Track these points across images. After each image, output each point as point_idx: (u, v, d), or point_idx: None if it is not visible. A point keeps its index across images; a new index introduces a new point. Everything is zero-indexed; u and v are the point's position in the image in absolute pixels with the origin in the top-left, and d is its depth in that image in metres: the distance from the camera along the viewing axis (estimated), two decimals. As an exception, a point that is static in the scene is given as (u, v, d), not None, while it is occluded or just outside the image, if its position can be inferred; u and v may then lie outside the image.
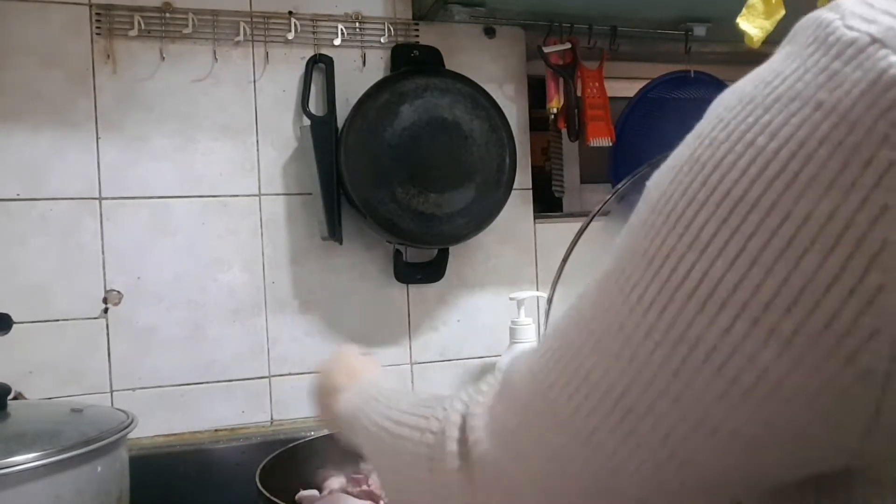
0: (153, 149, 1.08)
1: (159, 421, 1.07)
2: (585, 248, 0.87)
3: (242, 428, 1.12)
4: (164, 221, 1.09)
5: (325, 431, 1.02)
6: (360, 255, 1.18)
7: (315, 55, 1.14)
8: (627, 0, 1.16)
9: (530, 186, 1.27)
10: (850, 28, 0.27)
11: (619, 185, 0.88)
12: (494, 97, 1.19)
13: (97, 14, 1.05)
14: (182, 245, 1.10)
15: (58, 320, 1.04)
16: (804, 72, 0.28)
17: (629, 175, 0.86)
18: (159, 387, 1.08)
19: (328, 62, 1.14)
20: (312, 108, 1.14)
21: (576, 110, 1.24)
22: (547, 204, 1.32)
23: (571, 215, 1.32)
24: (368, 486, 0.90)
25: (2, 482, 0.66)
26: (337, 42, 1.16)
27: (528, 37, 1.26)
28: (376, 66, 1.18)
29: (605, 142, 1.25)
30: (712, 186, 0.29)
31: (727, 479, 0.31)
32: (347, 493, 0.90)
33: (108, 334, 1.06)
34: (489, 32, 1.24)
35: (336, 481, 0.93)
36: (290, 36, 1.14)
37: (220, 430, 1.11)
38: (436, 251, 1.20)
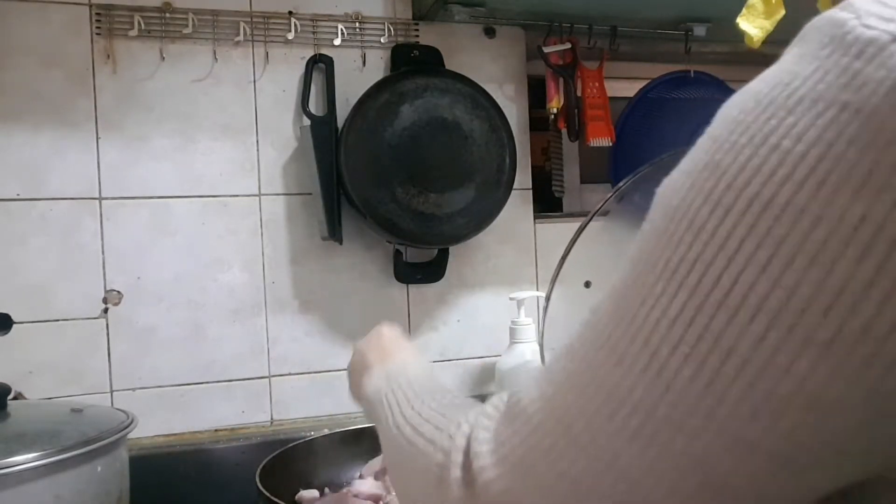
0: (153, 149, 1.08)
1: (159, 421, 1.07)
2: (584, 247, 0.87)
3: (242, 428, 1.12)
4: (164, 221, 1.09)
5: (326, 431, 1.03)
6: (360, 255, 1.18)
7: (315, 55, 1.14)
8: (627, 0, 1.16)
9: (530, 186, 1.27)
10: (868, 27, 0.27)
11: (619, 185, 0.88)
12: (494, 97, 1.19)
13: (97, 14, 1.05)
14: (182, 245, 1.10)
15: (58, 320, 1.04)
16: (825, 73, 0.27)
17: (629, 175, 0.86)
18: (159, 387, 1.08)
19: (328, 62, 1.14)
20: (312, 108, 1.14)
21: (576, 110, 1.24)
22: (547, 204, 1.32)
23: (571, 215, 1.31)
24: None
25: (2, 482, 0.66)
26: (337, 42, 1.16)
27: (528, 37, 1.26)
28: (376, 66, 1.18)
29: (605, 142, 1.25)
30: (737, 191, 0.28)
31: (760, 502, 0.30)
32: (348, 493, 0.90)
33: (108, 334, 1.06)
34: (489, 32, 1.24)
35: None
36: (290, 36, 1.14)
37: (220, 430, 1.11)
38: (436, 251, 1.20)
